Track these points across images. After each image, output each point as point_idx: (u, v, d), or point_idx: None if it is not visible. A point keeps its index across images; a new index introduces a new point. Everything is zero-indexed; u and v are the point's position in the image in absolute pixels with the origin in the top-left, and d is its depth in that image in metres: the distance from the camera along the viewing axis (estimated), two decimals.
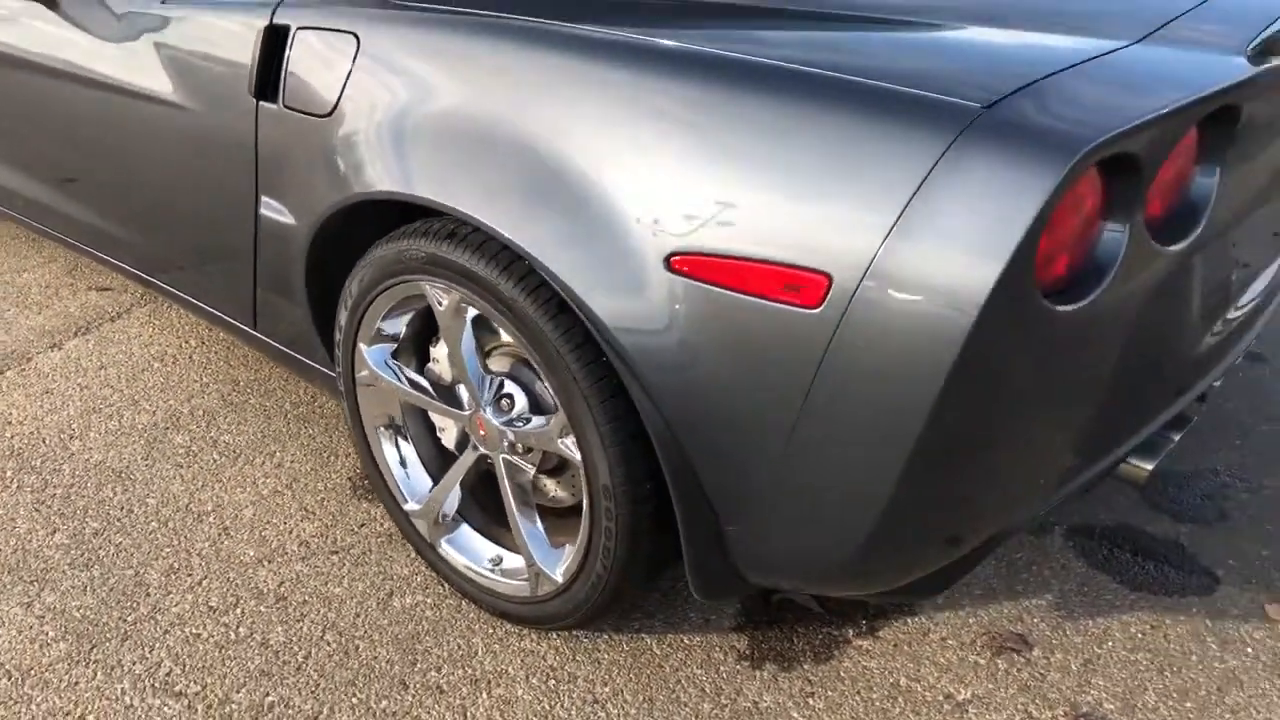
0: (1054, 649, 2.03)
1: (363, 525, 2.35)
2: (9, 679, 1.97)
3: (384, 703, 1.92)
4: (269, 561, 2.25)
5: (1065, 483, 1.74)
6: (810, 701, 1.93)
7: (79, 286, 3.38)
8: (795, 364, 1.49)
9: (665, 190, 1.55)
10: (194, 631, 2.08)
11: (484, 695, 1.94)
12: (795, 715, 1.90)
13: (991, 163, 1.35)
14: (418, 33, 1.85)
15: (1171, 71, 1.55)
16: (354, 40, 1.93)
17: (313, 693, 1.94)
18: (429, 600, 2.15)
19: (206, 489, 2.46)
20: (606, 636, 2.05)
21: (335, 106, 1.95)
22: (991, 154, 1.35)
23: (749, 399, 1.56)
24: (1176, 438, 1.91)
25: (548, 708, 1.91)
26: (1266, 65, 1.62)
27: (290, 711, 1.91)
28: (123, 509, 2.41)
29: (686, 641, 2.05)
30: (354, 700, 1.93)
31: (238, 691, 1.95)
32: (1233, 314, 1.94)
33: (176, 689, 1.95)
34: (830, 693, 1.94)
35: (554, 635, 2.06)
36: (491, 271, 1.73)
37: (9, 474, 2.52)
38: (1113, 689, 1.95)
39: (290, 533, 2.33)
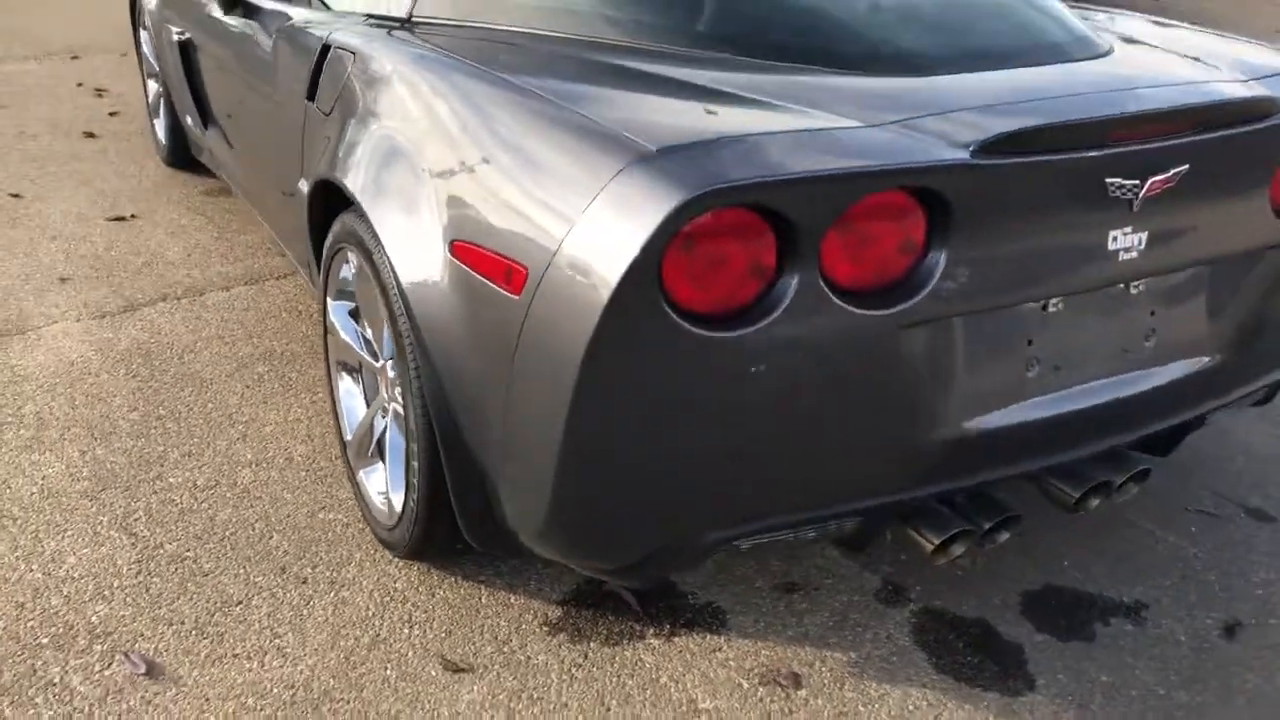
0: (821, 696, 2.15)
1: (338, 456, 2.83)
2: (41, 495, 2.62)
3: (260, 578, 2.38)
4: (256, 465, 2.78)
5: (789, 510, 1.91)
6: (575, 672, 2.17)
7: (273, 251, 4.15)
8: (505, 341, 1.81)
9: (456, 189, 1.93)
10: (172, 498, 2.64)
11: (332, 594, 2.34)
12: (554, 677, 2.16)
13: (635, 190, 1.63)
14: (386, 55, 2.34)
15: (863, 150, 1.73)
16: (352, 57, 2.44)
17: (216, 557, 2.43)
18: (344, 519, 2.58)
19: (250, 406, 3.05)
20: (453, 580, 2.40)
21: (332, 108, 2.47)
22: (638, 183, 1.63)
23: (483, 367, 1.89)
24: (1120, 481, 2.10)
25: (370, 616, 2.29)
26: (982, 161, 1.75)
27: (192, 566, 2.41)
28: (186, 405, 3.04)
29: (511, 600, 2.35)
30: (241, 570, 2.40)
31: (170, 543, 2.48)
32: (1034, 414, 2.00)
33: (133, 531, 2.51)
34: (595, 670, 2.18)
35: (414, 568, 2.43)
36: (367, 243, 2.17)
37: (135, 365, 3.23)
38: None
39: (285, 450, 2.85)
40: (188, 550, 2.46)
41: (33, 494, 2.63)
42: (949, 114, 1.85)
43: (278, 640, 2.22)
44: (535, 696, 2.11)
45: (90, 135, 5.22)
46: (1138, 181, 1.89)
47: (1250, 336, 2.24)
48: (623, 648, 2.24)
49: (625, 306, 1.63)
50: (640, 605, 2.35)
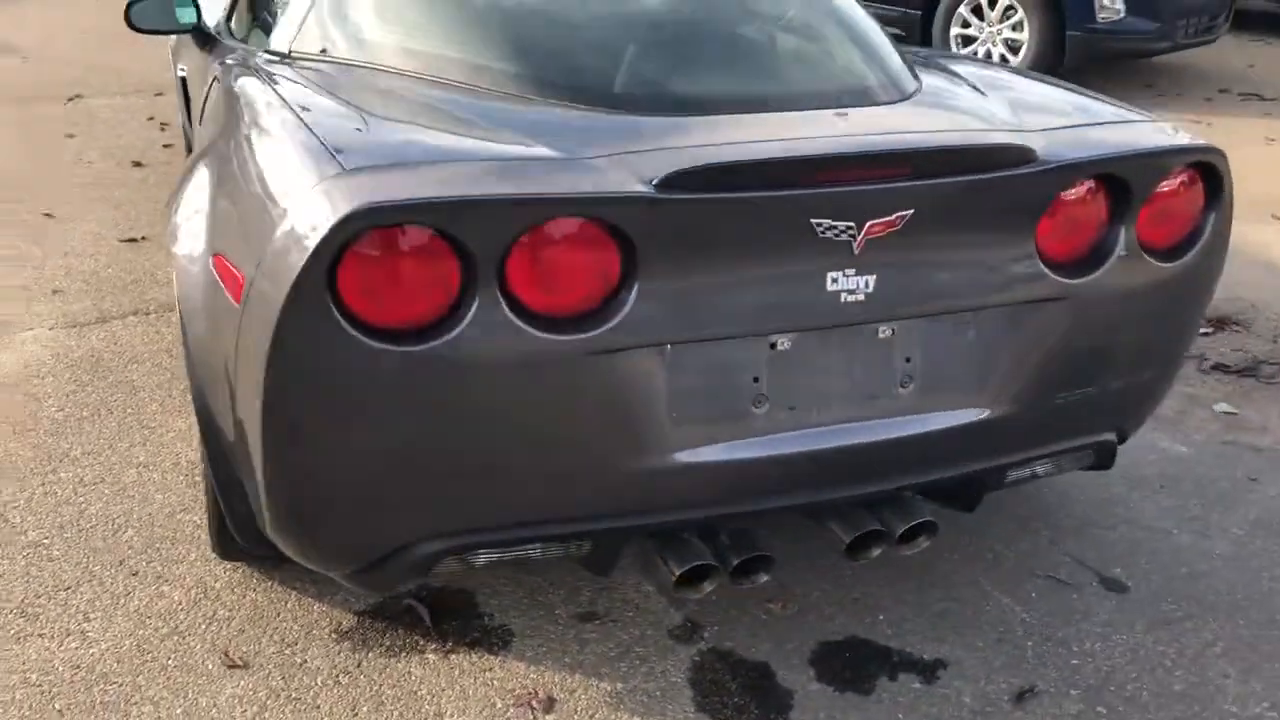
0: (572, 717, 2.18)
1: None
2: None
3: (98, 568, 2.55)
4: (144, 467, 2.98)
5: (508, 526, 1.97)
6: (341, 678, 2.26)
7: None
8: (229, 349, 1.94)
9: (220, 204, 2.08)
10: (55, 490, 2.84)
11: (154, 588, 2.50)
12: (320, 680, 2.25)
13: (316, 206, 1.74)
14: (231, 83, 2.50)
15: (548, 180, 1.80)
16: (217, 84, 2.64)
17: (68, 546, 2.62)
18: (199, 521, 2.74)
19: (165, 415, 3.26)
20: (268, 584, 2.52)
21: (201, 134, 2.67)
22: (320, 199, 1.74)
23: (219, 374, 2.02)
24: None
25: (177, 610, 2.43)
26: (663, 195, 1.79)
27: (43, 552, 2.59)
28: (109, 410, 3.27)
29: (314, 607, 2.46)
30: (84, 559, 2.57)
31: (34, 530, 2.67)
32: (765, 451, 2.01)
33: (6, 517, 2.72)
34: (362, 677, 2.26)
35: (238, 570, 2.56)
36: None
37: (81, 371, 3.49)
38: None
39: (176, 455, 3.04)
40: (46, 538, 2.65)
41: None
42: (658, 151, 1.90)
43: (85, 625, 2.37)
44: (292, 696, 2.21)
45: (138, 164, 5.61)
46: (852, 223, 1.89)
47: (1033, 393, 2.19)
48: (398, 659, 2.32)
49: (297, 318, 1.73)
50: (432, 621, 2.43)
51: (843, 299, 1.96)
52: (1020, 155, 2.00)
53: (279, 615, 2.43)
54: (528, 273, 1.80)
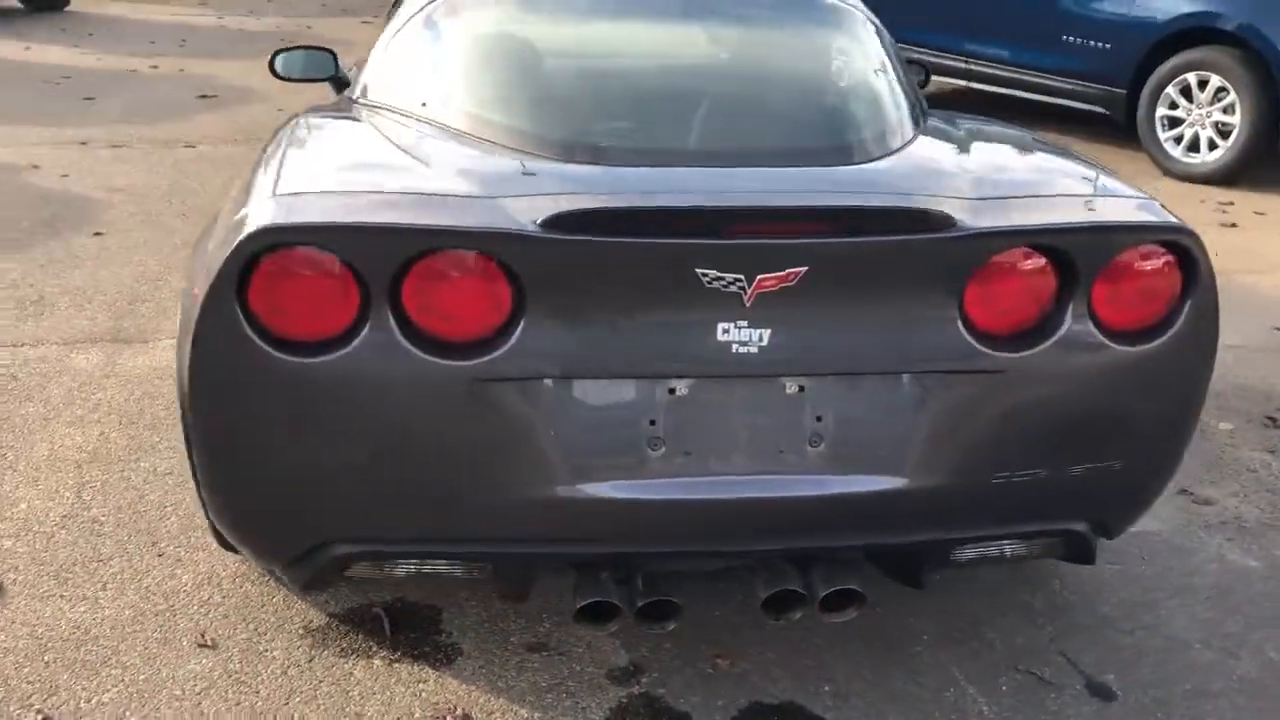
0: None
1: None
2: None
3: (133, 546, 2.85)
4: None
5: (409, 539, 2.10)
6: (290, 670, 2.43)
7: None
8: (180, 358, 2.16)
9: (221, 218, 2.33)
10: (133, 483, 3.19)
11: (170, 569, 2.76)
12: (272, 669, 2.43)
13: (241, 224, 1.94)
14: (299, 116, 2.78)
15: (445, 214, 1.93)
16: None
17: (118, 524, 2.94)
18: None
19: None
20: (267, 578, 2.73)
21: None
22: (245, 219, 1.95)
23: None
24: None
25: (180, 591, 2.68)
26: (545, 235, 1.89)
27: (98, 529, 2.92)
28: None
29: (296, 604, 2.64)
30: (124, 537, 2.88)
31: (104, 516, 3.02)
32: (660, 494, 2.05)
33: (83, 498, 3.08)
34: (308, 672, 2.43)
35: (247, 561, 2.78)
36: None
37: None
38: None
39: None
40: (104, 515, 2.98)
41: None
42: (559, 194, 2.00)
43: (101, 593, 2.66)
44: (241, 680, 2.40)
45: None
46: (740, 276, 1.92)
47: (964, 469, 2.11)
48: (347, 660, 2.47)
49: (209, 329, 1.94)
50: (392, 630, 2.56)
51: (734, 350, 1.98)
52: (932, 221, 1.97)
53: (263, 606, 2.63)
54: (421, 299, 1.94)
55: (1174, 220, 2.10)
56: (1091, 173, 2.38)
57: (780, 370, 2.02)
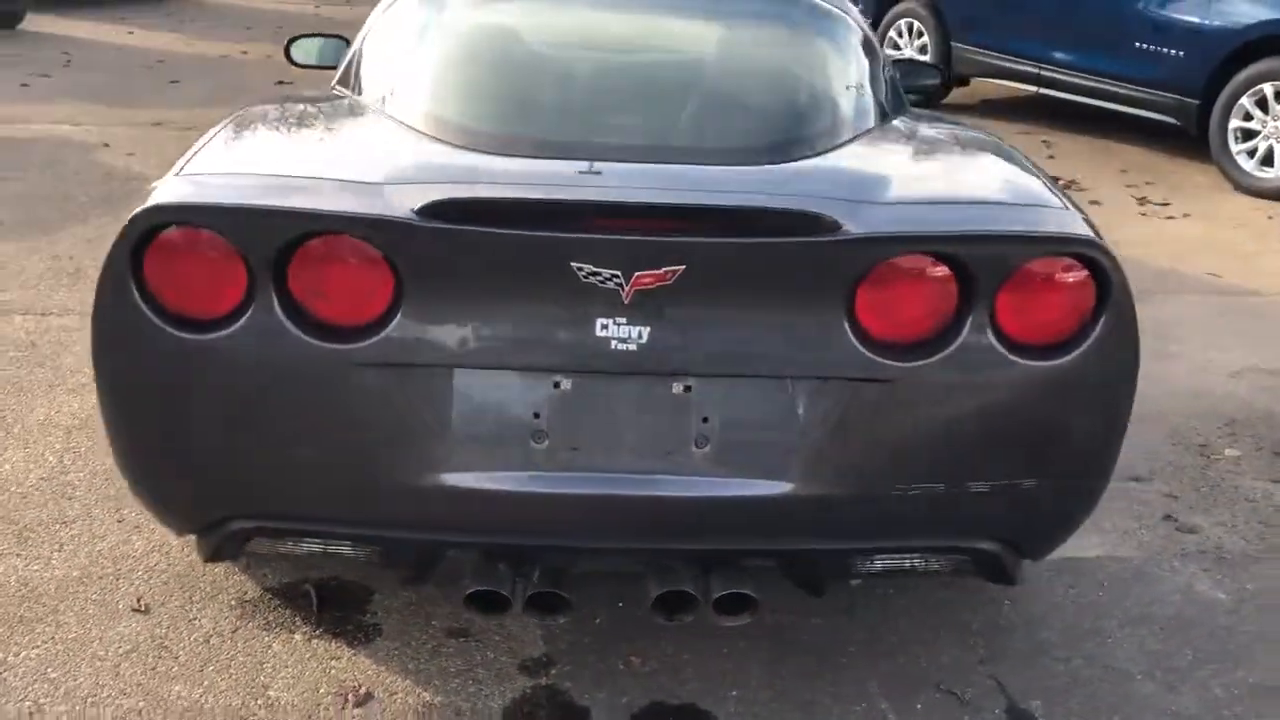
0: (373, 717, 2.30)
1: None
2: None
3: (98, 510, 2.96)
4: None
5: (299, 518, 2.15)
6: (213, 639, 2.50)
7: None
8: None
9: None
10: None
11: (128, 535, 2.86)
12: (195, 637, 2.51)
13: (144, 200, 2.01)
14: None
15: (332, 200, 1.97)
16: None
17: (89, 490, 3.05)
18: None
19: None
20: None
21: None
22: (143, 203, 2.02)
23: None
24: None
25: (133, 557, 2.77)
26: (418, 223, 1.90)
27: (66, 489, 3.05)
28: None
29: (236, 577, 2.71)
30: (108, 503, 2.99)
31: (75, 473, 3.14)
32: (542, 487, 2.06)
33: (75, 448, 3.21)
34: (228, 642, 2.49)
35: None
36: None
37: None
38: None
39: None
40: (80, 480, 3.10)
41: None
42: (446, 183, 2.02)
43: (55, 554, 2.77)
44: (164, 645, 2.48)
45: None
46: (617, 272, 1.91)
47: (858, 479, 2.07)
48: (268, 634, 2.53)
49: (107, 302, 2.01)
50: (319, 608, 2.62)
51: (614, 346, 1.97)
52: (817, 224, 1.93)
53: (203, 576, 2.71)
54: (304, 282, 1.98)
55: (1083, 233, 2.03)
56: (1029, 183, 2.30)
57: (663, 369, 2.00)
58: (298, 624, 2.56)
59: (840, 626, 2.64)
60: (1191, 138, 6.90)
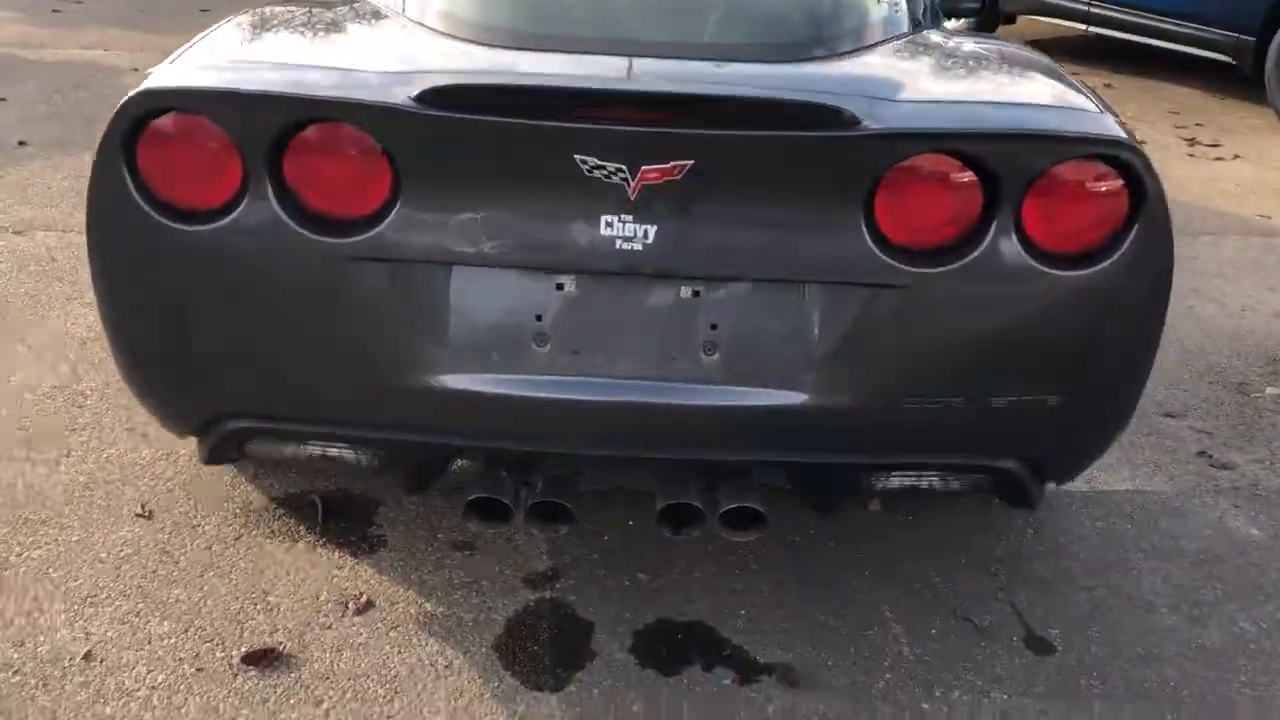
0: (366, 626, 2.26)
1: None
2: None
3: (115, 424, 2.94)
4: None
5: (298, 419, 2.09)
6: (215, 546, 2.47)
7: None
8: None
9: None
10: None
11: (134, 443, 2.83)
12: (199, 541, 2.48)
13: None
14: None
15: (327, 87, 1.89)
16: None
17: (100, 399, 3.03)
18: None
19: None
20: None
21: None
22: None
23: None
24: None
25: (136, 462, 2.74)
26: (413, 110, 1.83)
27: (79, 401, 3.03)
28: None
29: (244, 486, 2.68)
30: (121, 413, 2.97)
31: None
32: (543, 391, 1.99)
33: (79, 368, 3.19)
34: (230, 548, 2.46)
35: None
36: None
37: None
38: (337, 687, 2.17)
39: None
40: (93, 390, 3.07)
41: None
42: (445, 73, 1.93)
43: (63, 459, 2.75)
44: (165, 549, 2.45)
45: None
46: (622, 166, 1.83)
47: (871, 390, 1.98)
48: (271, 542, 2.49)
49: (101, 191, 1.95)
50: (324, 518, 2.58)
51: (620, 246, 1.89)
52: (834, 118, 1.83)
53: (211, 485, 2.67)
54: (300, 172, 1.91)
55: (1117, 134, 1.91)
56: (1061, 88, 2.18)
57: (670, 271, 1.92)
58: (302, 533, 2.53)
59: (855, 553, 2.57)
60: (1245, 80, 6.66)
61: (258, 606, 2.30)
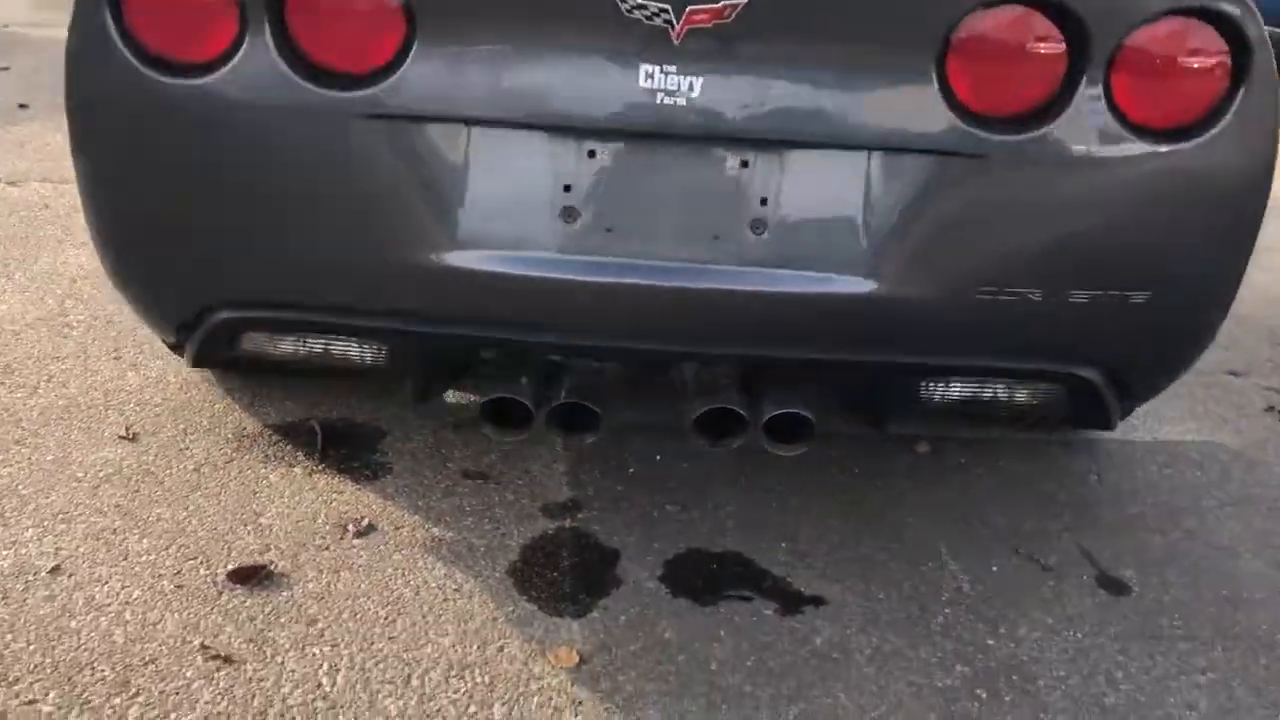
0: (366, 549, 2.04)
1: None
2: None
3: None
4: None
5: (294, 305, 1.88)
6: (204, 469, 2.26)
7: None
8: None
9: None
10: None
11: (120, 370, 2.62)
12: (187, 464, 2.26)
13: None
14: None
15: None
16: None
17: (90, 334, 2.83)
18: None
19: None
20: (219, 386, 2.56)
21: None
22: None
23: None
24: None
25: (121, 389, 2.53)
26: None
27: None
28: None
29: (237, 411, 2.46)
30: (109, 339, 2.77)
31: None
32: (571, 273, 1.78)
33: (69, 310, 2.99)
34: (221, 470, 2.24)
35: (164, 363, 2.62)
36: None
37: None
38: (337, 608, 1.94)
39: None
40: (79, 321, 2.86)
41: None
42: None
43: (43, 385, 2.53)
44: (149, 470, 2.23)
45: None
46: (666, 6, 1.62)
47: (940, 277, 1.77)
48: (266, 466, 2.28)
49: (80, 44, 1.75)
50: (324, 445, 2.36)
51: (661, 101, 1.68)
52: None
53: (201, 410, 2.46)
54: (303, 19, 1.71)
55: None
56: None
57: (717, 132, 1.71)
58: (299, 459, 2.31)
59: (904, 494, 2.35)
60: None
61: (248, 527, 2.07)
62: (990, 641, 1.93)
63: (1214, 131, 1.74)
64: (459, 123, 1.73)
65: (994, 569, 2.12)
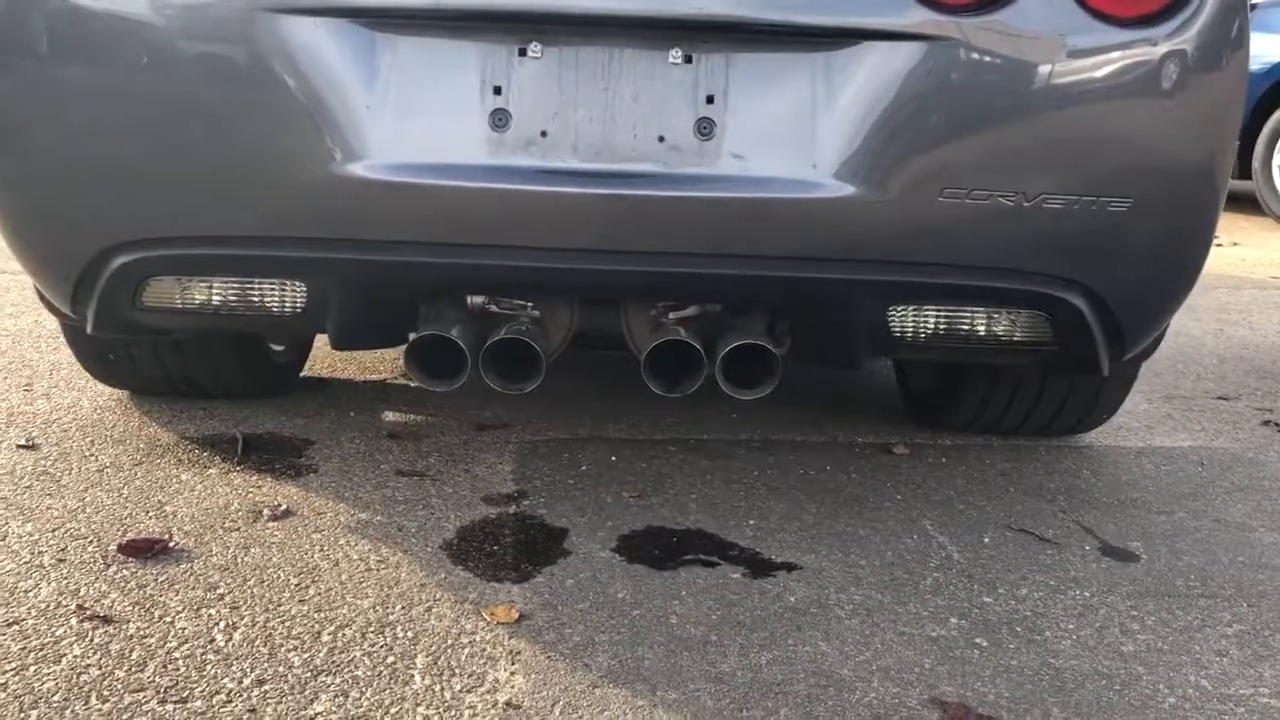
0: (283, 529, 1.81)
1: None
2: None
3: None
4: None
5: (197, 241, 1.71)
6: (108, 470, 2.04)
7: None
8: None
9: None
10: None
11: None
12: (94, 467, 2.04)
13: None
14: None
15: None
16: None
17: None
18: None
19: None
20: (108, 404, 2.36)
21: None
22: None
23: None
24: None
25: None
26: None
27: None
28: None
29: (143, 423, 2.26)
30: None
31: None
32: (500, 182, 1.63)
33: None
34: (123, 469, 2.03)
35: (78, 394, 2.44)
36: None
37: None
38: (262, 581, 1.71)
39: None
40: None
41: None
42: None
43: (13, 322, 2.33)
44: (46, 473, 2.01)
45: None
46: None
47: (902, 176, 1.63)
48: (178, 469, 2.06)
49: None
50: (243, 451, 2.14)
51: None
52: None
53: (114, 426, 2.25)
54: None
55: None
56: None
57: (658, 19, 1.60)
58: (216, 461, 2.09)
59: (882, 482, 2.14)
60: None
61: (150, 514, 1.85)
62: (987, 599, 1.70)
63: (1181, 17, 1.64)
64: (375, 14, 1.60)
65: (986, 540, 1.91)
